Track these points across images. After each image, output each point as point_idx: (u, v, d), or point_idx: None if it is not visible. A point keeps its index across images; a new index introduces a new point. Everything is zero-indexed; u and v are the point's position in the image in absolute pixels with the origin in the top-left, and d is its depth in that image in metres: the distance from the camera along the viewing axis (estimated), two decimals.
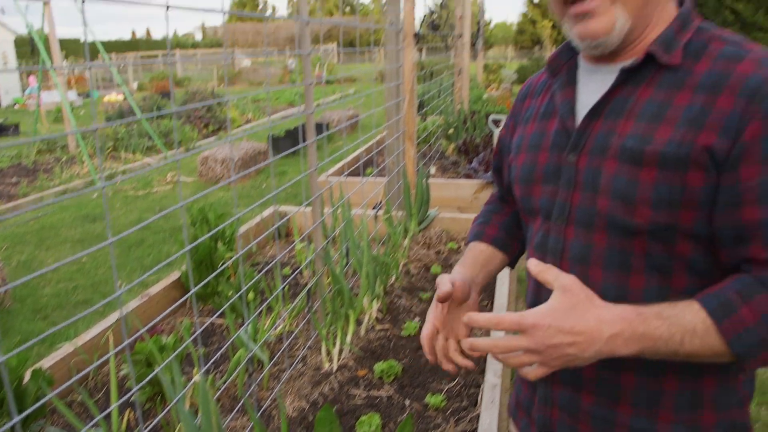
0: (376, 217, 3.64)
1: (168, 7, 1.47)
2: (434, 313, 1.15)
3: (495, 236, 1.34)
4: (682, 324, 0.88)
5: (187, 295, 1.74)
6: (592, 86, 1.08)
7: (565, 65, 1.15)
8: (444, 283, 1.10)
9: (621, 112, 1.00)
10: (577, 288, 0.90)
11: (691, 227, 0.94)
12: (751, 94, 0.87)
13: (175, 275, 3.32)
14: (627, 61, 1.03)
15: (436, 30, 7.16)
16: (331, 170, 5.57)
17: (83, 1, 1.32)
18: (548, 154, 1.10)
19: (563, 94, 1.11)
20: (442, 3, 7.18)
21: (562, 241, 1.07)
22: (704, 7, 11.46)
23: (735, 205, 0.90)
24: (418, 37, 4.39)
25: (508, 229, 1.35)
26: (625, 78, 1.01)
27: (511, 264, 1.38)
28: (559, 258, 1.07)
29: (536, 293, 1.13)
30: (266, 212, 4.33)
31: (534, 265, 0.94)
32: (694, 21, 1.02)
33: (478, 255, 1.31)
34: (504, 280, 3.14)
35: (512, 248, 1.34)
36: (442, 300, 1.10)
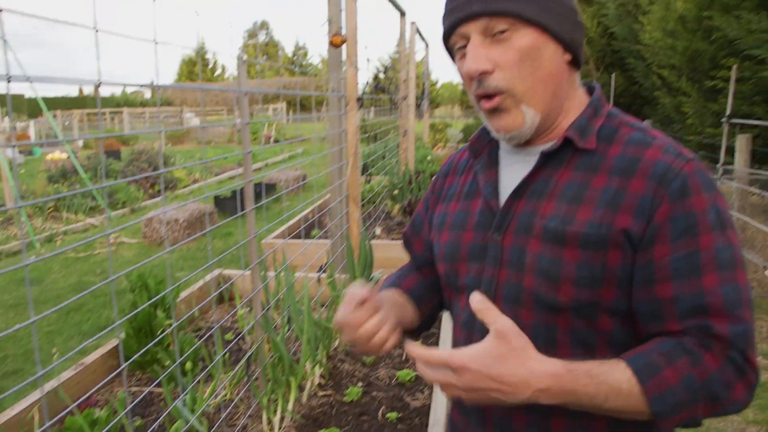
0: (319, 280, 3.64)
1: (99, 83, 1.49)
2: (348, 299, 1.06)
3: (411, 289, 1.29)
4: (609, 382, 0.91)
5: (122, 367, 1.72)
6: (514, 168, 1.11)
7: (486, 147, 1.19)
8: (356, 291, 1.05)
9: (543, 193, 1.05)
10: (512, 335, 0.89)
11: (611, 304, 0.99)
12: (659, 179, 0.95)
13: (113, 342, 3.24)
14: (546, 145, 1.07)
15: (381, 93, 7.33)
16: (278, 231, 5.57)
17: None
18: (473, 233, 1.13)
19: (486, 175, 1.15)
20: (386, 67, 7.37)
21: None
22: (635, 71, 12.07)
23: (650, 283, 0.96)
24: (362, 102, 4.51)
25: (423, 289, 1.31)
26: (545, 161, 1.05)
27: (417, 332, 1.31)
28: (482, 334, 1.04)
29: (469, 330, 1.11)
30: (209, 276, 4.29)
31: (476, 302, 0.92)
32: (604, 107, 1.09)
33: (390, 297, 1.23)
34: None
35: (425, 307, 1.29)
36: (357, 302, 1.04)
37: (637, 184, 0.96)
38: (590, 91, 1.14)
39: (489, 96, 1.03)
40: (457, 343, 1.16)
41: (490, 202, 1.11)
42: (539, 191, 1.05)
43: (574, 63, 1.06)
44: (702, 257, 0.93)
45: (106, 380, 1.75)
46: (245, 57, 2.01)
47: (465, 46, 1.04)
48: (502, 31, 0.99)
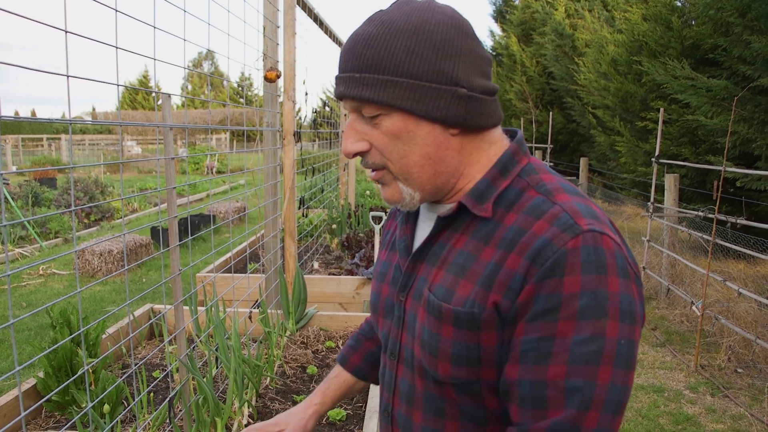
0: (250, 316, 3.58)
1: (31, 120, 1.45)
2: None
3: (357, 366, 1.38)
4: None
5: (36, 403, 1.63)
6: (425, 226, 1.09)
7: None
8: None
9: (437, 260, 1.01)
10: None
11: (493, 383, 0.94)
12: (534, 257, 0.87)
13: (30, 382, 3.10)
14: (449, 206, 1.04)
15: (321, 126, 7.36)
16: (215, 263, 5.46)
17: None
18: (389, 288, 1.12)
19: (403, 230, 1.13)
20: (326, 102, 7.42)
21: (394, 377, 1.08)
22: (572, 110, 12.47)
23: (506, 360, 0.91)
24: (299, 136, 4.50)
25: (373, 361, 1.37)
26: (445, 224, 1.01)
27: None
28: (392, 393, 1.09)
29: (389, 392, 1.13)
30: (139, 311, 4.17)
31: None
32: (518, 163, 1.01)
33: (336, 378, 1.38)
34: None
35: (373, 377, 1.37)
36: None
37: (513, 260, 0.90)
38: (513, 136, 1.08)
39: (372, 169, 1.01)
40: (380, 402, 1.17)
41: (401, 260, 1.10)
42: (436, 256, 1.02)
43: (470, 129, 0.99)
44: (555, 345, 0.84)
45: (16, 418, 1.66)
46: (182, 92, 1.99)
47: None
48: (372, 117, 0.96)
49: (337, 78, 0.98)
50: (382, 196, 1.06)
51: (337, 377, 1.38)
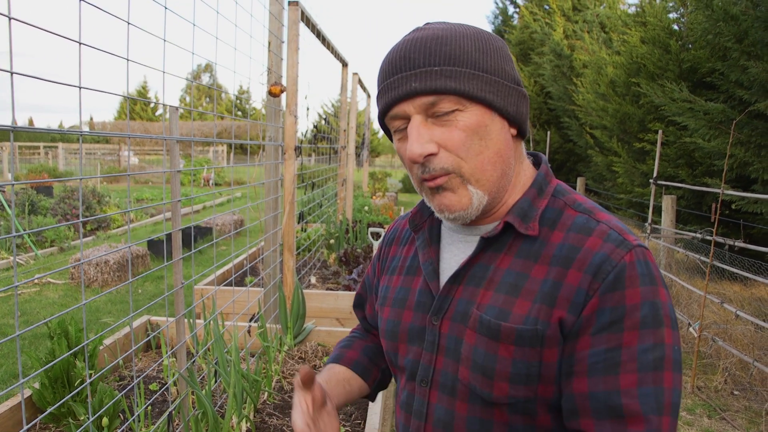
0: (249, 330, 3.57)
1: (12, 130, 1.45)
2: (303, 408, 1.04)
3: (355, 360, 1.29)
4: None
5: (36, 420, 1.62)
6: (456, 248, 1.07)
7: (426, 221, 1.14)
8: (306, 368, 1.03)
9: (481, 281, 0.99)
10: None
11: (550, 400, 0.94)
12: (594, 271, 0.89)
13: (26, 393, 3.08)
14: (488, 226, 1.03)
15: (321, 141, 7.38)
16: (212, 276, 5.45)
17: None
18: (413, 314, 1.08)
19: (425, 253, 1.10)
20: (328, 115, 7.44)
21: (426, 404, 1.04)
22: (569, 129, 12.53)
23: (568, 376, 0.91)
24: (300, 151, 4.52)
25: (371, 355, 1.31)
26: (485, 245, 1.00)
27: (372, 396, 1.34)
28: (424, 421, 1.05)
29: (407, 412, 1.10)
30: (136, 323, 4.15)
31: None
32: (550, 184, 1.03)
33: (334, 374, 1.25)
34: (378, 396, 3.13)
35: (372, 375, 1.30)
36: (305, 380, 1.02)
37: (573, 276, 0.91)
38: (536, 162, 1.09)
39: (434, 176, 0.96)
40: (397, 422, 1.14)
41: (430, 284, 1.07)
42: (478, 277, 1.00)
43: (519, 134, 1.02)
44: (622, 354, 0.87)
45: None
46: (177, 106, 2.00)
47: (404, 128, 0.98)
48: (447, 112, 0.93)
49: (400, 78, 0.94)
50: (438, 205, 0.99)
51: (336, 374, 1.25)
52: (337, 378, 1.24)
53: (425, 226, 1.14)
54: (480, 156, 0.94)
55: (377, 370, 1.31)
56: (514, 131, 1.00)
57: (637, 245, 0.91)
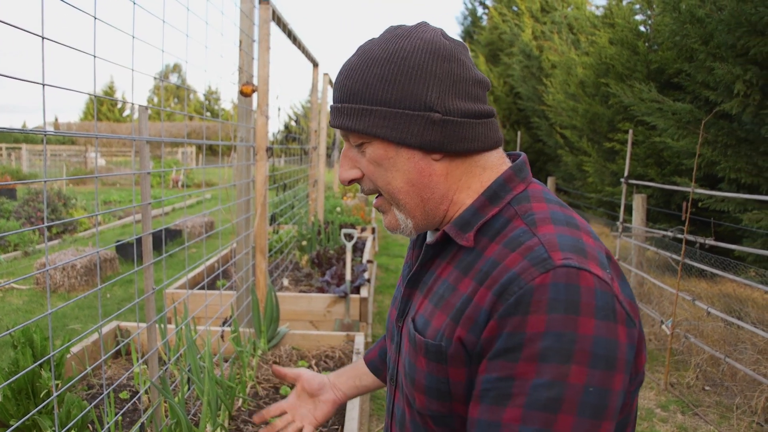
0: (223, 335, 3.50)
1: None
2: (289, 397, 1.38)
3: (371, 359, 1.41)
4: None
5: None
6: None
7: None
8: (274, 366, 1.37)
9: (424, 288, 1.01)
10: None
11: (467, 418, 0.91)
12: (500, 292, 0.84)
13: None
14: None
15: (292, 142, 7.30)
16: (182, 280, 5.35)
17: None
18: (395, 313, 1.12)
19: (409, 255, 1.15)
20: (298, 116, 7.37)
21: (392, 401, 1.10)
22: (539, 129, 12.63)
23: (470, 398, 0.89)
24: (272, 151, 4.45)
25: (384, 356, 1.39)
26: (435, 252, 1.01)
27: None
28: (390, 418, 1.10)
29: (387, 413, 1.16)
30: (105, 328, 4.04)
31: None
32: (513, 190, 0.97)
33: (354, 369, 1.43)
34: (355, 401, 3.08)
35: (384, 373, 1.38)
36: (277, 375, 1.39)
37: (482, 294, 0.87)
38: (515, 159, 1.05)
39: (370, 194, 1.03)
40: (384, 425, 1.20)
41: (402, 286, 1.10)
42: (424, 284, 1.02)
43: (456, 154, 0.97)
44: (514, 387, 0.80)
45: None
46: (147, 105, 1.93)
47: None
48: (358, 145, 0.98)
49: (331, 108, 1.00)
50: (383, 224, 1.05)
51: (356, 368, 1.42)
52: (350, 373, 1.42)
53: None
54: (389, 186, 0.97)
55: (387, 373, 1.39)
56: (437, 156, 0.95)
57: (561, 265, 0.81)
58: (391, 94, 0.92)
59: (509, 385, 0.80)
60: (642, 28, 8.68)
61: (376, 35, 0.99)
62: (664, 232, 5.67)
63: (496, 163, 1.00)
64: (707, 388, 4.55)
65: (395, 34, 0.95)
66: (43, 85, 1.50)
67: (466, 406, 0.90)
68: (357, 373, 1.40)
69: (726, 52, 5.62)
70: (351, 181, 1.01)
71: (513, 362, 0.80)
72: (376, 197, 1.02)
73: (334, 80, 1.03)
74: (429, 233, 1.10)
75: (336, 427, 3.00)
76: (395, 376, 1.08)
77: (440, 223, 1.01)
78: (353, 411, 3.00)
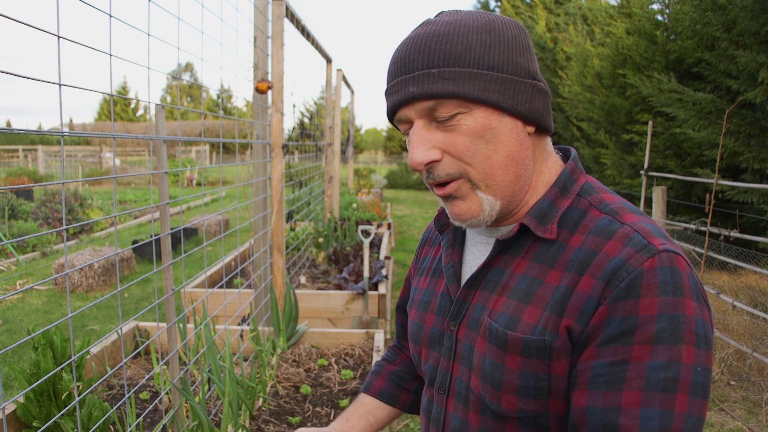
0: (242, 334, 3.47)
1: None
2: None
3: (382, 389, 1.29)
4: None
5: None
6: (477, 250, 1.03)
7: (450, 222, 1.10)
8: None
9: (496, 286, 0.94)
10: None
11: (562, 415, 0.88)
12: (608, 278, 0.82)
13: (10, 408, 2.95)
14: (508, 228, 0.98)
15: (307, 139, 7.27)
16: (199, 279, 5.33)
17: None
18: (434, 318, 1.05)
19: (447, 255, 1.07)
20: (312, 113, 7.33)
21: (443, 412, 1.01)
22: (555, 122, 12.51)
23: (572, 388, 0.85)
24: (287, 148, 4.42)
25: (399, 381, 1.30)
26: (502, 248, 0.95)
27: (411, 411, 1.32)
28: (441, 429, 1.02)
29: (427, 419, 1.08)
30: (125, 329, 4.03)
31: None
32: (577, 182, 0.96)
33: (359, 408, 1.27)
34: None
35: (401, 400, 1.29)
36: None
37: (586, 283, 0.84)
38: (566, 158, 1.03)
39: (442, 183, 0.92)
40: (422, 427, 1.11)
41: (450, 287, 1.03)
42: (494, 282, 0.95)
43: (542, 130, 0.96)
44: (629, 370, 0.79)
45: None
46: (163, 103, 1.90)
47: (409, 131, 0.93)
48: (449, 117, 0.87)
49: (399, 82, 0.90)
50: (451, 214, 0.95)
51: (361, 405, 1.28)
52: (359, 412, 1.26)
53: (450, 227, 1.10)
54: (488, 160, 0.88)
55: (407, 394, 1.30)
56: (531, 129, 0.92)
57: (663, 250, 0.82)
58: (497, 59, 0.87)
59: (623, 369, 0.79)
60: (659, 18, 8.56)
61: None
62: (686, 225, 5.58)
63: (552, 151, 1.00)
64: (733, 383, 4.47)
65: (469, 11, 0.91)
66: (60, 85, 1.47)
67: (564, 401, 0.86)
68: (365, 410, 1.27)
69: (749, 40, 5.51)
70: (428, 164, 0.90)
71: (627, 346, 0.79)
72: (445, 186, 0.92)
73: (402, 52, 0.91)
74: (475, 231, 1.05)
75: None
76: (448, 384, 1.00)
77: (513, 213, 0.97)
78: None
